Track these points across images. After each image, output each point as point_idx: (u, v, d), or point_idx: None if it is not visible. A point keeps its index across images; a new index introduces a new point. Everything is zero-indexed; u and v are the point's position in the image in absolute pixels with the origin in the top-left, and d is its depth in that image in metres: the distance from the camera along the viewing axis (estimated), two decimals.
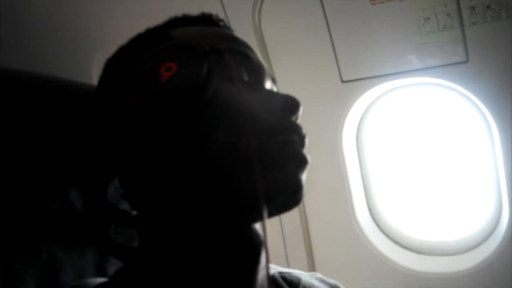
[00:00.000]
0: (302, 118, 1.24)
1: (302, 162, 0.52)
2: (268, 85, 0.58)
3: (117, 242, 0.57)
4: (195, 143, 0.50)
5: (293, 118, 0.54)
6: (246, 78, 0.55)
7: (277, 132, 0.51)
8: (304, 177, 0.52)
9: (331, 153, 1.37)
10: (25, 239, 0.55)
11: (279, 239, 1.47)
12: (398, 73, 1.24)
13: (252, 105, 0.51)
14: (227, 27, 0.64)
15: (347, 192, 1.39)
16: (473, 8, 1.10)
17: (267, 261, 0.49)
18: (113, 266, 0.65)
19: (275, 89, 0.60)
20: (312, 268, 1.46)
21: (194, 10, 1.27)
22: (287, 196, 0.50)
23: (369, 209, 1.46)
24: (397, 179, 1.49)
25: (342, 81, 1.30)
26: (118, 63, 0.59)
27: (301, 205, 1.40)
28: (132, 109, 0.50)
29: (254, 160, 0.47)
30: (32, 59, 1.44)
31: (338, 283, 0.74)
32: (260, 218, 0.51)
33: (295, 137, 0.52)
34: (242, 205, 0.51)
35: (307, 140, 0.54)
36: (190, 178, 0.51)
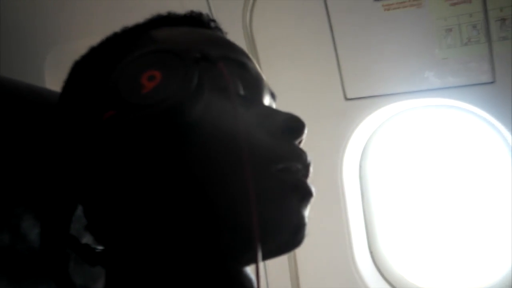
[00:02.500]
0: None
1: (305, 195, 0.49)
2: (266, 100, 0.57)
3: (76, 283, 0.54)
4: (179, 168, 0.48)
5: (296, 142, 0.52)
6: (241, 92, 0.53)
7: (277, 159, 0.48)
8: (307, 213, 0.50)
9: (329, 182, 1.34)
10: None
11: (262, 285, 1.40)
12: (412, 92, 1.22)
13: (249, 124, 0.49)
14: (219, 29, 0.62)
15: (345, 231, 1.36)
16: (504, 20, 1.10)
17: None
18: None
19: (274, 106, 0.59)
20: None
21: (174, 6, 1.23)
22: (287, 235, 0.48)
23: (371, 252, 1.42)
24: (405, 218, 1.46)
25: (346, 99, 1.28)
26: (88, 68, 0.56)
27: None
28: (105, 125, 0.47)
29: (250, 193, 0.43)
30: None
31: None
32: (252, 261, 0.49)
33: (298, 165, 0.50)
34: (233, 245, 0.49)
35: (311, 169, 0.52)
36: (170, 211, 0.49)
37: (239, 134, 0.46)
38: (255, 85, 0.55)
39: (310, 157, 0.51)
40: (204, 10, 1.23)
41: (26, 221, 0.58)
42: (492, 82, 1.13)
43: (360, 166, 1.40)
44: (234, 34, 1.22)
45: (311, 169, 0.52)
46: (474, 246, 1.41)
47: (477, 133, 1.33)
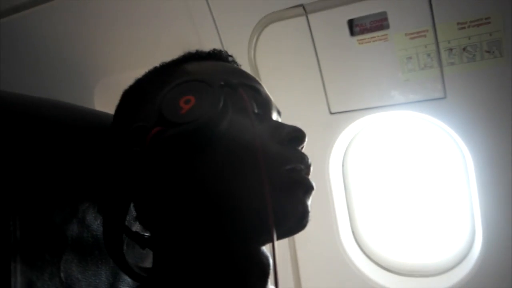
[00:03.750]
0: None
1: (308, 188, 0.53)
2: (274, 116, 0.60)
3: (129, 262, 0.57)
4: (209, 170, 0.50)
5: (299, 148, 0.55)
6: (256, 110, 0.56)
7: (286, 161, 0.51)
8: (309, 202, 0.53)
9: (319, 179, 1.38)
10: (45, 258, 0.54)
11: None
12: (382, 106, 1.26)
13: (263, 135, 0.52)
14: (235, 62, 0.65)
15: (332, 216, 1.39)
16: (451, 49, 1.14)
17: (276, 281, 0.49)
18: (125, 285, 0.65)
19: (280, 120, 0.61)
20: (298, 286, 1.46)
21: (193, 40, 1.29)
22: (295, 221, 0.51)
23: (353, 232, 1.47)
24: (379, 205, 1.51)
25: (331, 113, 1.32)
26: (135, 95, 0.59)
27: None
28: (152, 139, 0.50)
29: (266, 187, 0.47)
30: (33, 86, 1.43)
31: None
32: (268, 241, 0.53)
33: (302, 165, 0.53)
34: (253, 229, 0.51)
35: (312, 168, 0.55)
36: (202, 203, 0.51)
37: (256, 142, 0.49)
38: (266, 105, 0.58)
39: (310, 160, 0.55)
40: (216, 44, 1.30)
41: (90, 215, 0.60)
42: (443, 98, 1.17)
43: (343, 165, 1.44)
44: (242, 64, 1.32)
45: (311, 168, 0.55)
46: (433, 226, 1.46)
47: (434, 137, 1.37)
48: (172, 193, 0.52)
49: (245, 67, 1.29)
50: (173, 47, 1.33)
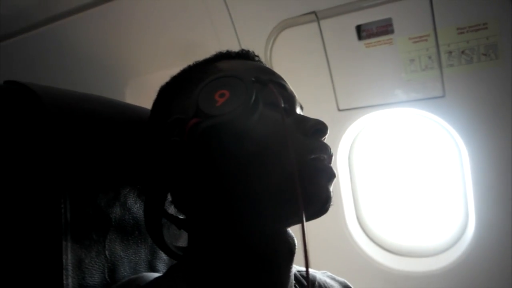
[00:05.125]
0: None
1: (331, 176, 0.51)
2: (298, 110, 0.58)
3: (166, 241, 0.56)
4: (241, 158, 0.49)
5: (322, 139, 0.54)
6: (283, 105, 0.54)
7: (311, 151, 0.50)
8: (331, 188, 0.51)
9: None
10: (93, 237, 0.53)
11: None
12: (386, 104, 1.24)
13: (290, 128, 0.51)
14: (261, 62, 0.63)
15: (339, 203, 1.38)
16: (450, 52, 1.12)
17: (307, 261, 0.47)
18: (162, 262, 0.64)
19: (302, 114, 0.59)
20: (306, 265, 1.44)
21: (213, 43, 1.28)
22: (320, 205, 0.50)
23: (358, 217, 1.45)
24: (382, 192, 1.49)
25: (339, 110, 1.30)
26: (172, 90, 0.57)
27: None
28: (189, 130, 0.48)
29: (295, 173, 0.46)
30: (73, 85, 1.43)
31: (346, 281, 0.72)
32: (295, 222, 0.52)
33: (325, 155, 0.51)
34: (282, 212, 0.50)
35: (333, 158, 0.54)
36: (237, 189, 0.50)
37: (286, 133, 0.48)
38: (291, 100, 0.56)
39: (332, 150, 0.53)
40: (235, 46, 1.29)
41: (130, 199, 0.59)
42: (442, 96, 1.15)
43: (349, 158, 1.43)
44: None
45: (333, 158, 0.53)
46: (430, 211, 1.45)
47: (434, 132, 1.35)
48: (206, 178, 0.51)
49: None
50: (194, 50, 1.33)
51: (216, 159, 0.50)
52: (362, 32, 1.19)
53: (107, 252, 0.55)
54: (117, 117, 0.60)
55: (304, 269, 0.67)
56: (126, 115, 0.63)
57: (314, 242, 1.43)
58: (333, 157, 0.54)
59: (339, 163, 1.37)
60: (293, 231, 0.54)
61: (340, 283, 0.70)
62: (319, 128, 0.53)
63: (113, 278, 0.56)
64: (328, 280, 0.68)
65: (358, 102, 1.28)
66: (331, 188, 0.51)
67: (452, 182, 1.33)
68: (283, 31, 1.25)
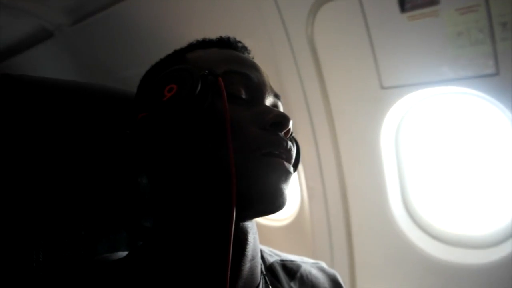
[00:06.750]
0: (347, 117, 1.20)
1: (283, 173, 0.49)
2: (269, 100, 0.55)
3: (146, 226, 0.58)
4: (184, 152, 0.50)
5: (283, 133, 0.51)
6: (244, 96, 0.52)
7: (262, 145, 0.48)
8: (286, 186, 0.49)
9: (371, 150, 1.32)
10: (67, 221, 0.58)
11: (325, 229, 1.46)
12: (432, 82, 1.16)
13: (242, 119, 0.49)
14: (245, 48, 0.61)
15: (384, 186, 1.33)
16: (505, 24, 1.00)
17: (228, 265, 0.47)
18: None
19: (279, 104, 0.57)
20: (350, 253, 1.42)
21: (255, 19, 1.30)
22: (267, 202, 0.48)
23: (404, 201, 1.38)
24: (431, 176, 1.39)
25: (382, 88, 1.24)
26: (140, 84, 0.59)
27: (343, 197, 1.38)
28: (137, 124, 0.50)
29: (232, 169, 0.45)
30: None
31: (337, 274, 0.69)
32: (247, 218, 0.51)
33: (280, 150, 0.49)
34: (222, 208, 0.49)
35: (293, 153, 0.52)
36: (185, 178, 0.51)
37: (226, 125, 0.47)
38: (257, 90, 0.54)
39: (290, 144, 0.50)
40: (277, 24, 1.28)
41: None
42: (496, 74, 1.04)
43: (395, 138, 1.35)
44: (299, 40, 1.29)
45: (293, 153, 0.52)
46: (484, 199, 1.32)
47: (485, 112, 1.23)
48: (153, 170, 0.53)
49: (303, 44, 1.29)
50: (236, 25, 1.36)
51: (159, 152, 0.51)
52: (406, 4, 1.11)
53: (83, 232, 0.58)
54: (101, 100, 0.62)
55: (290, 258, 0.67)
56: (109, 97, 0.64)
57: (357, 226, 1.43)
58: (292, 152, 0.52)
59: (383, 143, 1.31)
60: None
61: (329, 275, 0.68)
62: (278, 120, 0.50)
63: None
64: (314, 271, 0.66)
65: (402, 80, 1.21)
66: (285, 186, 0.49)
67: (507, 168, 1.20)
68: (324, 5, 1.22)
